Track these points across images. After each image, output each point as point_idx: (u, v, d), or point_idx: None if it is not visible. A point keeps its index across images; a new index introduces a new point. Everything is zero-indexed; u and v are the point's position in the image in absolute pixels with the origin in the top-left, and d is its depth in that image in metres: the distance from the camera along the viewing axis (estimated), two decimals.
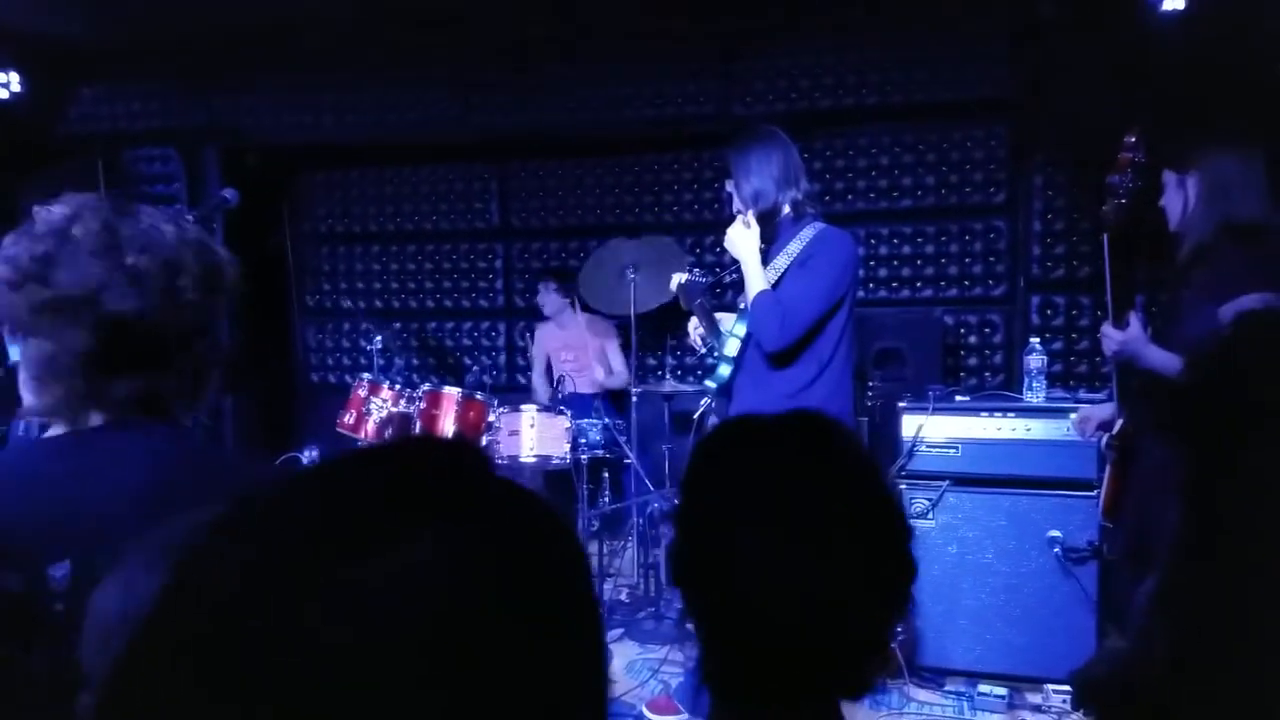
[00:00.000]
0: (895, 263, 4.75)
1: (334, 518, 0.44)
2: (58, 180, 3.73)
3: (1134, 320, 2.51)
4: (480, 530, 0.46)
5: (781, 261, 2.85)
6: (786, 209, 2.87)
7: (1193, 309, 2.40)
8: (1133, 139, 2.59)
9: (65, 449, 1.09)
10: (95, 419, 1.10)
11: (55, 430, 1.12)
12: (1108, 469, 2.77)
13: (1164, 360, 2.42)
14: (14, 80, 4.65)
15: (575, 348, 4.92)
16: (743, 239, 2.84)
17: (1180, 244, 2.56)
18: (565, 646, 0.48)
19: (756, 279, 2.82)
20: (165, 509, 0.76)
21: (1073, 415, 3.18)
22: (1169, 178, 2.60)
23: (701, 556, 0.98)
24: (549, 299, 4.91)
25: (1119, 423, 2.72)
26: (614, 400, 4.87)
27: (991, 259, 4.60)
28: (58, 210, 1.11)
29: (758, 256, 2.84)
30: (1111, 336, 2.55)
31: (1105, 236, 2.69)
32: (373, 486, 0.46)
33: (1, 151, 4.73)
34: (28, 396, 1.10)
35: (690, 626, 1.01)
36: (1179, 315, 2.49)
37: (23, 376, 1.11)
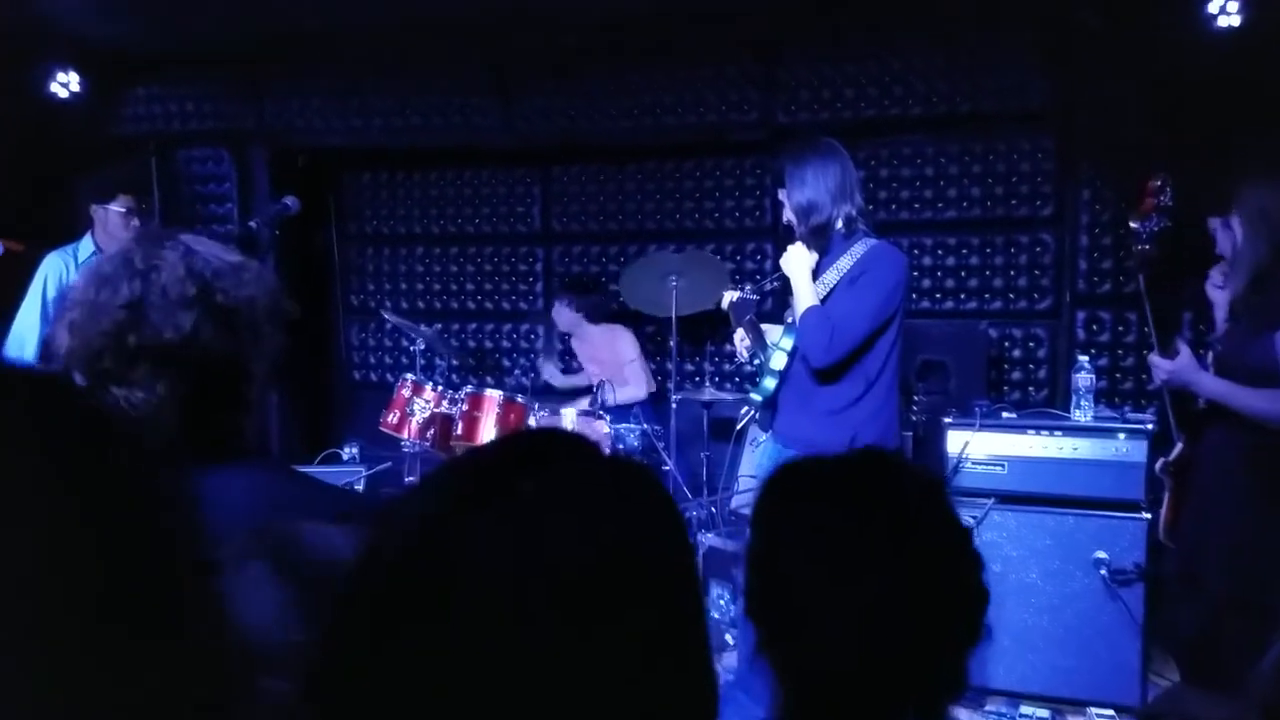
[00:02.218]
0: (939, 274, 4.71)
1: (467, 478, 0.63)
2: (113, 179, 3.83)
3: (1183, 348, 2.49)
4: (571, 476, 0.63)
5: (831, 277, 2.85)
6: (839, 224, 2.86)
7: (1252, 335, 2.37)
8: (1158, 183, 2.56)
9: None
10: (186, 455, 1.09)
11: None
12: (1166, 494, 2.75)
13: (1218, 388, 2.40)
14: (73, 80, 4.76)
15: (598, 361, 4.91)
16: (798, 261, 2.85)
17: (1241, 279, 2.53)
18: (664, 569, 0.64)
19: (807, 297, 2.82)
20: None
21: (1120, 434, 3.17)
22: (1214, 224, 2.57)
23: (775, 597, 0.99)
24: (561, 315, 4.87)
25: (1178, 447, 2.69)
26: (654, 405, 4.87)
27: (1037, 273, 4.55)
28: (122, 249, 1.08)
29: (810, 278, 2.84)
30: (1160, 366, 2.54)
31: (1141, 276, 2.69)
32: (494, 459, 0.65)
33: (61, 150, 4.83)
34: None
35: (759, 659, 1.02)
36: (1238, 343, 2.46)
37: None
